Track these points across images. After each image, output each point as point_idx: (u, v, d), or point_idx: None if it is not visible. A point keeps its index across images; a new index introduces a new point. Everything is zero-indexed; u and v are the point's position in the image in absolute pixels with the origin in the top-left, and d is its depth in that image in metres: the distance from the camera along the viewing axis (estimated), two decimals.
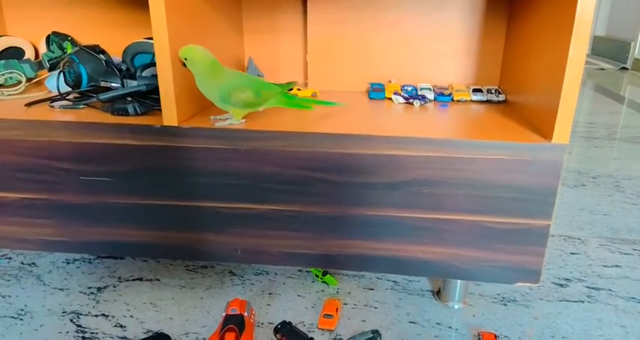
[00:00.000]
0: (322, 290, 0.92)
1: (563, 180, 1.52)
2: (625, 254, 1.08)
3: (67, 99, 0.86)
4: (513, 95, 0.90)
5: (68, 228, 0.83)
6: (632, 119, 2.31)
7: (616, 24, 4.43)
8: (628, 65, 4.01)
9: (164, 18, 0.69)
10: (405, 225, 0.76)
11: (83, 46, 0.91)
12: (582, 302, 0.91)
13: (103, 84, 0.86)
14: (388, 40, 1.03)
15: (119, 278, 0.95)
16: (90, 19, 1.10)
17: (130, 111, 0.80)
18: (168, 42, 0.70)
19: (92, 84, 0.89)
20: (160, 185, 0.78)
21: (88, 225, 0.83)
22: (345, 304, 0.88)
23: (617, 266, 1.03)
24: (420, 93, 0.96)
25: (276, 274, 0.97)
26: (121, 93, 0.82)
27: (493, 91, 0.95)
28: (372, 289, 0.93)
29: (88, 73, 0.88)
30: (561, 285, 0.96)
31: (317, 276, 0.95)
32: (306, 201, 0.77)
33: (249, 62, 1.09)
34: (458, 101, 0.95)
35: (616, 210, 1.31)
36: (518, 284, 0.78)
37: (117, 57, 1.00)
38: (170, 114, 0.75)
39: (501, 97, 0.94)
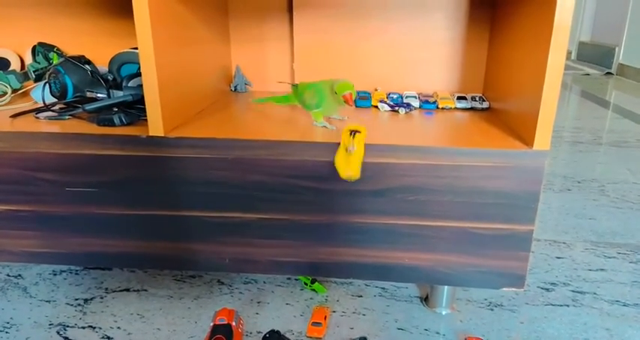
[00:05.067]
0: (311, 298, 0.92)
1: (549, 184, 1.54)
2: (610, 257, 1.10)
3: (53, 110, 0.86)
4: (497, 102, 0.92)
5: (54, 239, 0.83)
6: (617, 124, 2.35)
7: (601, 29, 4.51)
8: (613, 70, 4.07)
9: (149, 28, 0.70)
10: (392, 231, 0.77)
11: (69, 57, 0.91)
12: (568, 306, 0.92)
13: (88, 94, 0.86)
14: (374, 48, 1.04)
15: (106, 289, 0.95)
16: (76, 29, 1.10)
17: (115, 121, 0.80)
18: (153, 52, 0.71)
19: (78, 94, 0.89)
20: (146, 195, 0.78)
21: (75, 236, 0.82)
22: (334, 311, 0.89)
23: (602, 269, 1.05)
24: (405, 101, 0.97)
25: (264, 282, 0.97)
26: (106, 103, 0.82)
27: (477, 99, 0.96)
28: (361, 296, 0.93)
29: (74, 84, 0.88)
30: (547, 289, 0.97)
31: (306, 284, 0.95)
32: (293, 210, 0.77)
33: (236, 70, 1.09)
34: (443, 108, 0.96)
35: (601, 214, 1.33)
36: (504, 288, 0.79)
37: (103, 67, 1.00)
38: (156, 124, 0.75)
39: (485, 104, 0.95)
